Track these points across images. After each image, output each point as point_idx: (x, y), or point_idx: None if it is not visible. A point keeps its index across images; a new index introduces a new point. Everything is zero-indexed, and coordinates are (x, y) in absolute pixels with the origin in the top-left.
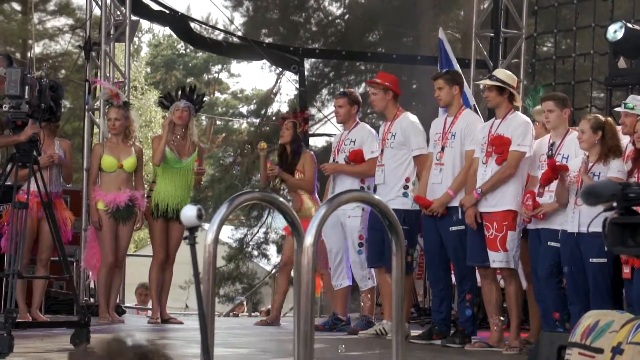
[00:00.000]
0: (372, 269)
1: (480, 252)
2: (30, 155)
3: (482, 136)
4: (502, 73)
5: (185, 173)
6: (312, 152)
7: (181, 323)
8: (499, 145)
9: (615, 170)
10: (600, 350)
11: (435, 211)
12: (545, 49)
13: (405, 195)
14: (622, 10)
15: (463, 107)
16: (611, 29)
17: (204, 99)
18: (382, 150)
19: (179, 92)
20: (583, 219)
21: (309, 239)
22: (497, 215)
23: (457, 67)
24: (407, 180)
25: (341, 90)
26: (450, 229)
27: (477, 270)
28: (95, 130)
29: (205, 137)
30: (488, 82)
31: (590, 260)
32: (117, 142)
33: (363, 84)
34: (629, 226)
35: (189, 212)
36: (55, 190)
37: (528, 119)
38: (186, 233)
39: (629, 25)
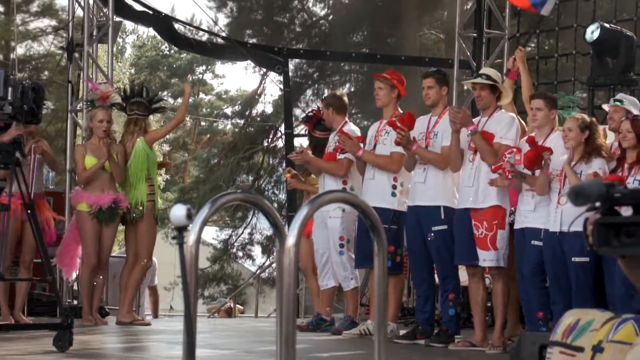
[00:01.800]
0: (356, 270)
1: (469, 251)
2: (12, 156)
3: (468, 134)
4: (491, 71)
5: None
6: None
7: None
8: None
9: (595, 168)
10: (580, 349)
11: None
12: (528, 49)
13: (393, 194)
14: (604, 11)
15: (447, 107)
16: (589, 30)
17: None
18: (374, 146)
19: (133, 91)
20: (565, 218)
21: (290, 240)
22: (486, 214)
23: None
24: (396, 179)
25: (324, 95)
26: (433, 228)
27: (459, 270)
28: (79, 131)
29: (190, 138)
30: (481, 80)
31: (573, 259)
32: (97, 143)
33: (347, 85)
34: (613, 226)
35: (178, 212)
36: (38, 191)
37: (513, 115)
38: (174, 232)
39: (606, 25)
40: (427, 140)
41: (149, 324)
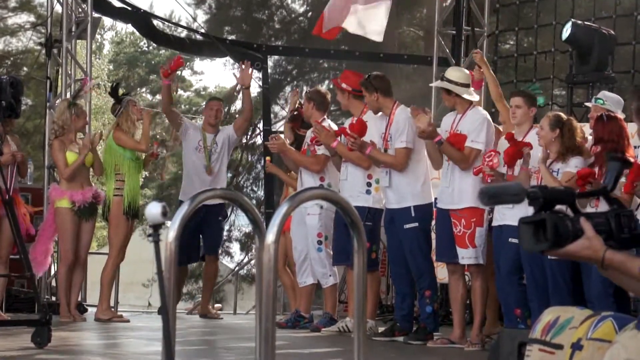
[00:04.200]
0: (335, 266)
1: (449, 248)
2: None
3: (445, 130)
4: (453, 73)
5: (140, 166)
6: None
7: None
8: (455, 144)
9: (572, 166)
10: (560, 347)
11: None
12: (507, 46)
13: (368, 192)
14: (583, 9)
15: (396, 104)
16: (564, 28)
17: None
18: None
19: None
20: None
21: (270, 237)
22: (464, 212)
23: None
24: (370, 177)
25: (306, 90)
26: (404, 226)
27: (439, 267)
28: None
29: (169, 134)
30: (437, 84)
31: (549, 257)
32: (71, 139)
33: (326, 82)
34: (541, 224)
35: (153, 210)
36: (14, 187)
37: (485, 115)
38: (150, 230)
39: (580, 23)
40: (385, 143)
41: (127, 321)
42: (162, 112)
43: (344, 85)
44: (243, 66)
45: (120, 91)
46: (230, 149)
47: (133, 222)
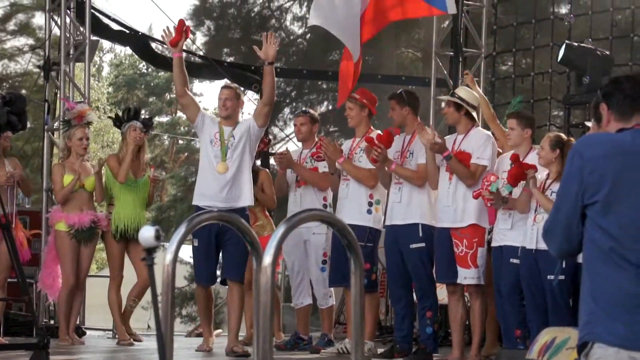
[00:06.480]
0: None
1: (450, 268)
2: None
3: (442, 159)
4: (463, 92)
5: (141, 191)
6: (267, 170)
7: (140, 341)
8: (461, 161)
9: None
10: None
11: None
12: (504, 67)
13: (369, 212)
14: (580, 30)
15: (419, 124)
16: (561, 50)
17: (152, 121)
18: None
19: (127, 114)
20: (541, 235)
21: (267, 259)
22: (465, 232)
23: None
24: (371, 197)
25: (302, 109)
26: (410, 246)
27: (438, 288)
28: (55, 150)
29: (167, 156)
30: (447, 97)
31: (548, 277)
32: (75, 162)
33: (325, 103)
34: None
35: (147, 233)
36: (12, 211)
37: (489, 134)
38: (144, 254)
39: (574, 44)
40: (402, 159)
41: (140, 341)
42: (176, 95)
43: (365, 101)
44: (266, 38)
45: (150, 119)
46: (252, 142)
47: (129, 245)
